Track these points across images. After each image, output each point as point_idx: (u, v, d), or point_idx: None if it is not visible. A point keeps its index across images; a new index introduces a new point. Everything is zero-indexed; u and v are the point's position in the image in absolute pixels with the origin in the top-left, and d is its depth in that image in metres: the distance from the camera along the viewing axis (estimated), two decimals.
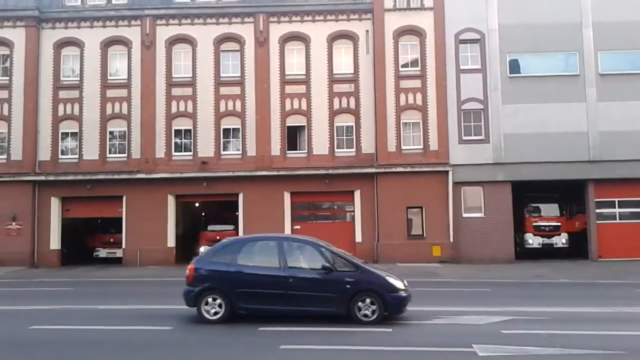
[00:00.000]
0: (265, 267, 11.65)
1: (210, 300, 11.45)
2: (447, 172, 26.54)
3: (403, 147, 27.04)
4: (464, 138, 26.87)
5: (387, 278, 11.59)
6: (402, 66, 27.47)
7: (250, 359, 9.10)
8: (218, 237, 28.83)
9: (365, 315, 11.22)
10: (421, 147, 27.03)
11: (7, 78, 27.86)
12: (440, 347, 9.56)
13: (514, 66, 27.21)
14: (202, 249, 29.22)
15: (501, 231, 26.28)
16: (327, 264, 11.45)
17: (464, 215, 26.56)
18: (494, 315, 12.20)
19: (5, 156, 27.54)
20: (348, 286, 11.26)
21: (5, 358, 9.12)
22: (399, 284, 11.59)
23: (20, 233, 26.88)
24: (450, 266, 24.84)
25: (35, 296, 17.17)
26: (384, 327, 10.96)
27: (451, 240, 26.23)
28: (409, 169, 26.68)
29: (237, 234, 27.71)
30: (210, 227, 29.39)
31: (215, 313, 11.41)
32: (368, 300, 11.22)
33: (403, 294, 11.50)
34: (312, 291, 11.30)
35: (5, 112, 27.67)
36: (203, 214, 32.07)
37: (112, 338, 10.56)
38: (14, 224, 26.95)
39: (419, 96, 27.18)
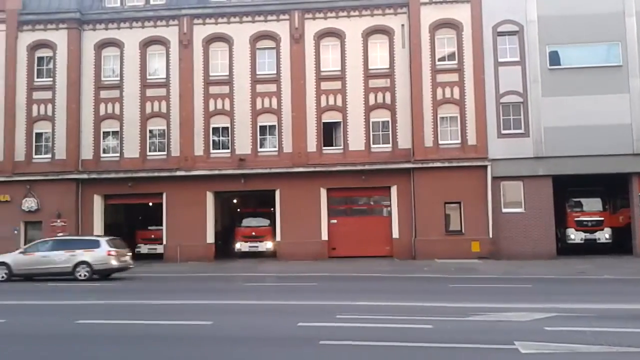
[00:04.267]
0: None
1: None
2: (485, 166, 26.18)
3: (440, 142, 26.77)
4: (503, 132, 26.45)
5: None
6: (439, 60, 27.16)
7: None
8: (253, 233, 29.22)
9: None
10: (459, 141, 26.71)
11: (51, 79, 28.64)
12: (481, 344, 9.42)
13: (554, 58, 26.62)
14: (238, 245, 29.50)
15: (542, 226, 25.81)
16: None
17: (504, 210, 26.17)
18: (536, 312, 11.97)
19: (49, 155, 28.35)
20: None
21: (50, 350, 9.41)
22: None
23: (65, 229, 27.59)
24: (489, 262, 24.53)
25: (79, 292, 17.61)
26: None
27: (490, 235, 25.88)
28: (446, 164, 26.42)
29: (273, 230, 28.01)
30: (245, 223, 29.65)
31: None
32: None
33: None
34: None
35: (49, 113, 28.47)
36: (239, 209, 32.41)
37: (152, 332, 10.73)
38: (59, 220, 27.73)
39: (456, 90, 26.85)
